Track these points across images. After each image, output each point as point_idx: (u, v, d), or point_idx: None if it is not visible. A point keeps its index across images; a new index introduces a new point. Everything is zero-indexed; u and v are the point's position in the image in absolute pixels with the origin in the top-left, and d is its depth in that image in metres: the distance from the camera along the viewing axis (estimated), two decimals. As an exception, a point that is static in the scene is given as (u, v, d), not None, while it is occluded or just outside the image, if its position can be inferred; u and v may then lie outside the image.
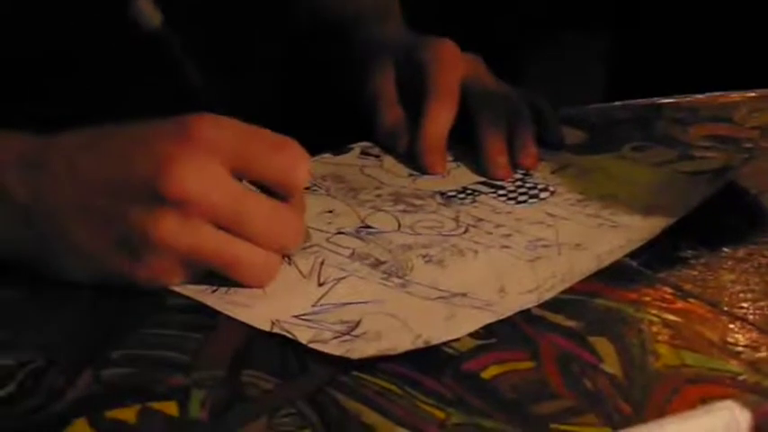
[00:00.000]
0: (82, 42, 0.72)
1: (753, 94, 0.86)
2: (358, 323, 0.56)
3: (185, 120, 0.57)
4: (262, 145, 0.58)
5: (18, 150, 0.58)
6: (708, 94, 0.86)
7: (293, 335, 0.55)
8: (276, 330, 0.56)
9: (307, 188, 0.70)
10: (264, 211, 0.58)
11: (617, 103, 0.86)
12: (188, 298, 0.59)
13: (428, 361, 0.53)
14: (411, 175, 0.73)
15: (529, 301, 0.58)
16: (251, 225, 0.57)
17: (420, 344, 0.54)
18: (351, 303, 0.58)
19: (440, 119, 0.75)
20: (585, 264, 0.62)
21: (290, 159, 0.58)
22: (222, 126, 0.58)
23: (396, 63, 0.79)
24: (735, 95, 0.86)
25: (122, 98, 0.72)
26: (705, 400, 0.50)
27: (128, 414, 0.50)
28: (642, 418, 0.50)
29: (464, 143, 0.75)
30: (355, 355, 0.53)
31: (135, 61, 0.68)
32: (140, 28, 0.63)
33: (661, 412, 0.50)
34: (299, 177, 0.59)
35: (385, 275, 0.61)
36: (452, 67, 0.77)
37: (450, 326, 0.56)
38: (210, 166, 0.56)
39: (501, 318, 0.56)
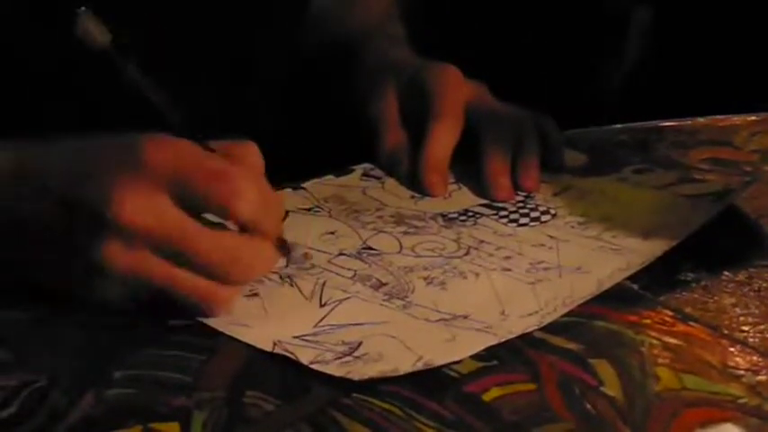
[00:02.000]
0: (36, 58, 0.72)
1: (753, 118, 0.86)
2: (359, 344, 0.56)
3: (133, 142, 0.58)
4: (201, 173, 0.57)
5: (4, 163, 0.60)
6: (708, 118, 0.87)
7: (295, 355, 0.55)
8: (278, 351, 0.56)
9: (308, 209, 0.71)
10: (215, 247, 0.57)
11: (617, 125, 0.86)
12: (190, 318, 0.59)
13: (429, 383, 0.54)
14: (413, 196, 0.74)
15: (530, 325, 0.58)
16: (199, 259, 0.57)
17: (420, 366, 0.54)
18: (352, 325, 0.58)
19: (443, 140, 0.75)
20: (586, 287, 0.62)
21: (229, 189, 0.57)
22: (168, 150, 0.58)
23: (399, 85, 0.79)
24: (735, 119, 0.86)
25: (83, 115, 0.72)
26: (705, 424, 0.50)
27: (130, 435, 0.50)
28: (642, 441, 0.50)
29: (466, 165, 0.76)
30: (356, 377, 0.53)
31: (89, 80, 0.68)
32: (88, 46, 0.62)
33: (661, 435, 0.50)
34: (238, 208, 0.57)
35: (386, 297, 0.61)
36: (457, 89, 0.77)
37: (451, 348, 0.56)
38: (156, 196, 0.57)
39: (502, 341, 0.57)
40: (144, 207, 0.56)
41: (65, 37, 0.63)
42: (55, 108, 0.73)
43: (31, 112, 0.72)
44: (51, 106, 0.73)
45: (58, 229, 0.58)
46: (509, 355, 0.56)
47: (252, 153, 0.60)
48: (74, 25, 0.62)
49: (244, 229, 0.59)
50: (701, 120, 0.87)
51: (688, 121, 0.86)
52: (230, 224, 0.59)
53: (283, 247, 0.64)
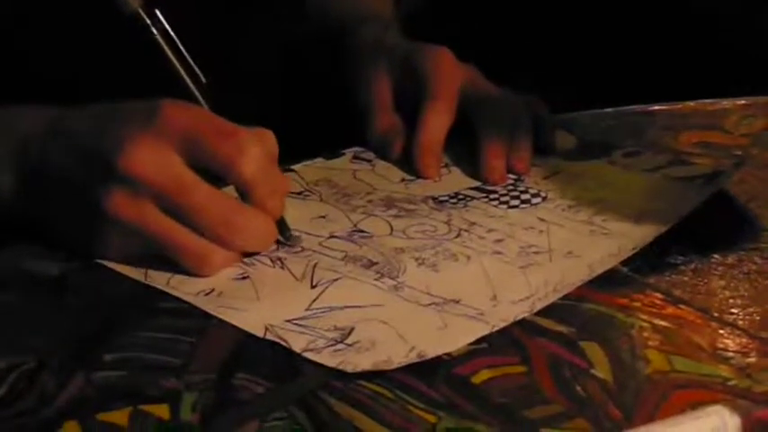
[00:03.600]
0: (66, 25, 0.75)
1: (743, 102, 0.86)
2: (351, 330, 0.56)
3: (154, 104, 0.61)
4: (212, 131, 0.61)
5: (45, 121, 0.64)
6: (698, 101, 0.87)
7: (287, 342, 0.55)
8: (269, 337, 0.56)
9: (299, 193, 0.71)
10: (210, 205, 0.60)
11: (608, 109, 0.86)
12: (181, 301, 0.59)
13: (420, 365, 0.54)
14: (403, 179, 0.73)
15: (521, 312, 0.58)
16: (194, 214, 0.60)
17: (414, 357, 0.54)
18: (344, 307, 0.58)
19: (437, 122, 0.75)
20: (577, 273, 0.62)
21: (236, 147, 0.60)
22: (184, 112, 0.61)
23: (391, 68, 0.79)
24: (725, 103, 0.86)
25: (106, 79, 0.73)
26: (695, 406, 0.50)
27: (119, 417, 0.50)
28: (632, 423, 0.50)
29: (456, 148, 0.75)
30: (349, 368, 0.53)
31: (116, 44, 0.69)
32: (120, 10, 0.66)
33: (651, 417, 0.50)
34: (244, 166, 0.60)
35: (378, 275, 0.61)
36: (450, 72, 0.77)
37: (444, 337, 0.56)
38: (163, 150, 0.60)
39: (494, 330, 0.57)
40: (150, 159, 0.59)
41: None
42: (87, 73, 0.75)
43: (62, 77, 0.74)
44: (84, 71, 0.76)
45: (78, 181, 0.61)
46: (499, 338, 0.56)
47: (261, 141, 0.62)
48: None
49: (243, 196, 0.62)
50: (690, 103, 0.87)
51: (678, 105, 0.86)
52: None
53: (285, 232, 0.64)
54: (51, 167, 0.62)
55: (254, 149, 0.61)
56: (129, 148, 0.59)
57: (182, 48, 0.66)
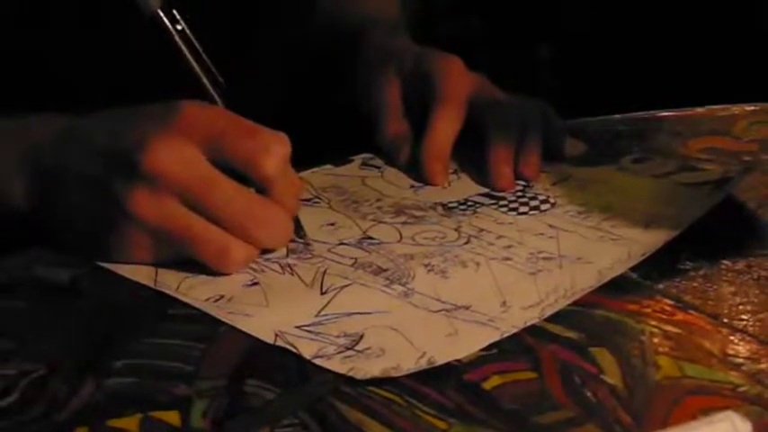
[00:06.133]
0: (85, 26, 0.76)
1: (752, 108, 0.86)
2: (361, 337, 0.56)
3: (173, 104, 0.62)
4: (234, 129, 0.61)
5: (57, 128, 0.64)
6: (707, 108, 0.87)
7: (297, 349, 0.55)
8: (280, 343, 0.56)
9: (308, 200, 0.71)
10: (234, 198, 0.61)
11: (616, 116, 0.86)
12: (191, 307, 0.59)
13: (430, 371, 0.54)
14: (412, 186, 0.73)
15: (531, 318, 0.58)
16: (217, 209, 0.61)
17: (424, 363, 0.54)
18: (353, 314, 0.58)
19: (446, 128, 0.75)
20: (587, 279, 0.62)
21: (259, 145, 0.61)
22: (205, 112, 0.62)
23: (401, 74, 0.79)
24: (734, 109, 0.86)
25: (126, 80, 0.74)
26: (706, 412, 0.50)
27: (130, 423, 0.50)
28: (643, 429, 0.50)
29: (465, 154, 0.75)
30: (359, 375, 0.53)
31: (135, 44, 0.70)
32: (140, 11, 0.66)
33: (662, 423, 0.50)
34: (267, 162, 0.61)
35: (387, 282, 0.61)
36: (460, 79, 0.77)
37: (454, 344, 0.56)
38: (187, 148, 0.60)
39: (504, 336, 0.57)
40: (173, 156, 0.60)
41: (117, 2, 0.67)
42: (104, 74, 0.76)
43: (79, 78, 0.75)
44: (102, 72, 0.76)
45: (97, 180, 0.61)
46: (509, 344, 0.56)
47: (280, 141, 0.63)
48: None
49: (263, 193, 0.62)
50: (699, 110, 0.87)
51: (687, 111, 0.86)
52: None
53: (299, 229, 0.65)
54: (68, 170, 0.62)
55: (275, 147, 0.62)
56: (152, 146, 0.59)
57: (200, 49, 0.67)
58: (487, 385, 0.53)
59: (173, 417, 0.51)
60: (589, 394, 0.52)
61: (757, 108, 0.86)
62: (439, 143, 0.74)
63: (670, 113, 0.86)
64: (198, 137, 0.60)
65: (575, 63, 1.53)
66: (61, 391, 0.52)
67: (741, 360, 0.55)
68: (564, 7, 1.53)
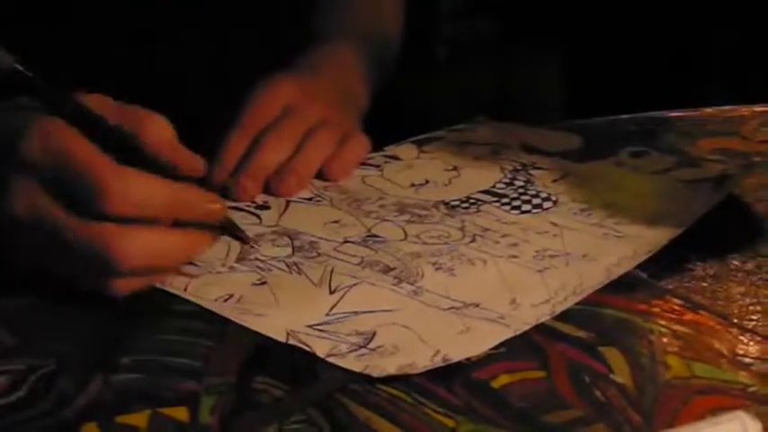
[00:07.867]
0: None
1: (762, 109, 0.86)
2: (373, 335, 0.56)
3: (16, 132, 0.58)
4: (70, 167, 0.58)
5: None
6: (716, 108, 0.86)
7: (310, 347, 0.55)
8: (292, 342, 0.56)
9: (309, 199, 0.70)
10: (71, 233, 0.57)
11: (624, 116, 0.86)
12: (200, 306, 0.59)
13: (438, 369, 0.54)
14: (413, 184, 0.73)
15: (542, 315, 0.58)
16: (60, 245, 0.58)
17: (439, 361, 0.54)
18: (364, 312, 0.58)
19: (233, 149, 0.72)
20: (595, 276, 0.62)
21: (94, 186, 0.57)
22: (43, 140, 0.58)
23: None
24: (743, 109, 0.86)
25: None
26: (715, 412, 0.50)
27: (138, 420, 0.50)
28: (652, 429, 0.50)
29: (462, 151, 0.75)
30: (375, 373, 0.53)
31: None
32: None
33: (671, 423, 0.50)
34: (102, 208, 0.57)
35: (396, 280, 0.61)
36: (265, 101, 0.74)
37: (467, 341, 0.56)
38: (29, 183, 0.58)
39: (516, 333, 0.56)
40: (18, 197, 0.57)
41: None
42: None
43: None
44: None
45: None
46: (518, 343, 0.56)
47: (157, 124, 0.60)
48: None
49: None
50: (708, 110, 0.86)
51: (696, 112, 0.86)
52: None
53: (238, 231, 0.64)
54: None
55: (116, 186, 0.57)
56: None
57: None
58: (496, 384, 0.53)
59: (181, 413, 0.51)
60: (598, 393, 0.52)
61: (766, 109, 0.86)
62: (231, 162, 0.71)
63: (678, 113, 0.86)
64: (37, 171, 0.58)
65: (583, 63, 1.53)
66: (69, 387, 0.52)
67: (750, 360, 0.55)
68: (573, 8, 1.53)
